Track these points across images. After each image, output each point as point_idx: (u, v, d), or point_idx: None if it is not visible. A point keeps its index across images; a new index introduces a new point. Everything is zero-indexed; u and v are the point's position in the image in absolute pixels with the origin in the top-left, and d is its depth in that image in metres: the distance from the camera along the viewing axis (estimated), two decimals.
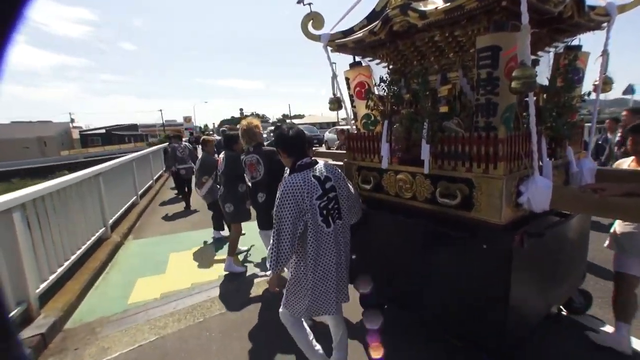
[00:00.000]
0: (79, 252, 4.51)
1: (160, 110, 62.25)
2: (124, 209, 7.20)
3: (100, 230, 5.53)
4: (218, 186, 4.89)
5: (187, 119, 41.51)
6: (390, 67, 2.93)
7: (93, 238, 5.13)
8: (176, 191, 9.57)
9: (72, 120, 49.80)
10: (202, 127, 53.91)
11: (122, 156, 8.18)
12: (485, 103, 1.96)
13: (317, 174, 2.10)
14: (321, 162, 2.22)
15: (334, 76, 2.99)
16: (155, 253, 5.41)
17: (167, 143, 9.60)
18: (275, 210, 2.04)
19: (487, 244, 1.97)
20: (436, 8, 2.02)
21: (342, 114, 4.45)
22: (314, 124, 39.05)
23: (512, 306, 1.92)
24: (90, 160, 29.97)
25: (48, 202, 3.85)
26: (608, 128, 6.23)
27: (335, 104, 3.07)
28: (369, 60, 3.00)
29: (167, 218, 7.61)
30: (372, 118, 2.82)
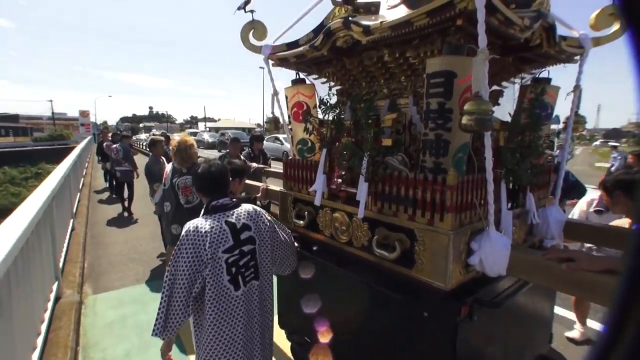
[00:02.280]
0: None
1: (51, 101, 56.26)
2: (66, 241, 5.18)
3: (54, 286, 3.64)
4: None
5: (84, 113, 38.36)
6: (337, 88, 2.61)
7: (49, 304, 3.30)
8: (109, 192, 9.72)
9: None
10: (102, 123, 52.20)
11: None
12: (434, 139, 1.64)
13: (233, 220, 1.74)
14: (247, 206, 1.88)
15: (275, 93, 2.65)
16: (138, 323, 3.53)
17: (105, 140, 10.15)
18: (170, 261, 1.63)
19: (428, 311, 1.64)
20: (381, 23, 1.72)
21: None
22: (236, 129, 38.16)
23: None
24: None
25: None
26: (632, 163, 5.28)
27: (272, 124, 2.73)
28: (315, 79, 2.68)
29: (121, 243, 5.97)
30: (309, 144, 2.49)
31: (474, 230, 1.67)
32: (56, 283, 3.70)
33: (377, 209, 1.86)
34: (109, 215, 7.77)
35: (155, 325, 1.62)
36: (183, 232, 1.67)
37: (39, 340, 2.75)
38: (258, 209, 1.93)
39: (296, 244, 2.24)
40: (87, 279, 4.61)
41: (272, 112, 2.70)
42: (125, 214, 7.84)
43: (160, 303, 1.63)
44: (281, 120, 2.70)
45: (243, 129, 39.33)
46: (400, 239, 1.73)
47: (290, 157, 2.62)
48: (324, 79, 2.65)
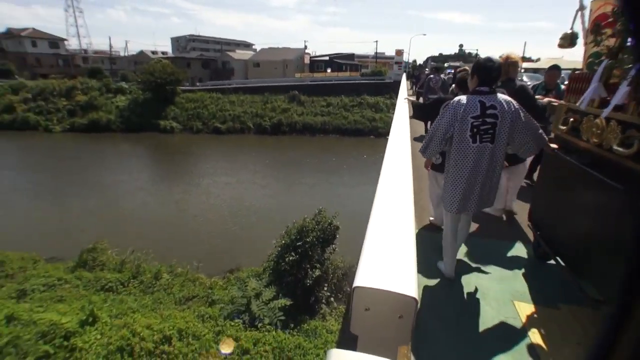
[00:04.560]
0: None
1: (376, 42, 68.26)
2: None
3: None
4: None
5: (398, 52, 41.32)
6: None
7: None
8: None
9: (305, 47, 57.65)
10: (412, 62, 52.20)
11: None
12: None
13: (484, 100, 2.55)
14: (501, 95, 2.61)
15: (580, 8, 2.76)
16: None
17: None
18: (438, 116, 2.79)
19: None
20: None
21: None
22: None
23: None
24: (316, 83, 38.94)
25: None
26: None
27: (567, 39, 2.91)
28: None
29: None
30: (600, 57, 2.56)
31: None
32: None
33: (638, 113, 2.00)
34: None
35: (422, 147, 2.83)
36: (451, 102, 2.69)
37: None
38: (509, 99, 2.61)
39: (554, 145, 2.85)
40: None
41: (572, 28, 2.88)
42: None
43: (426, 137, 2.79)
44: (580, 37, 2.84)
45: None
46: None
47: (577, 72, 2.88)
48: None
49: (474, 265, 3.22)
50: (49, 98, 35.29)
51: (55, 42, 53.91)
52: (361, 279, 1.09)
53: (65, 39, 56.91)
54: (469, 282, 2.97)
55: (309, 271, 8.26)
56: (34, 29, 52.86)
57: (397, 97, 12.05)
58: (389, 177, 2.39)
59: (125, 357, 5.77)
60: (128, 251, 10.70)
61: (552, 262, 2.97)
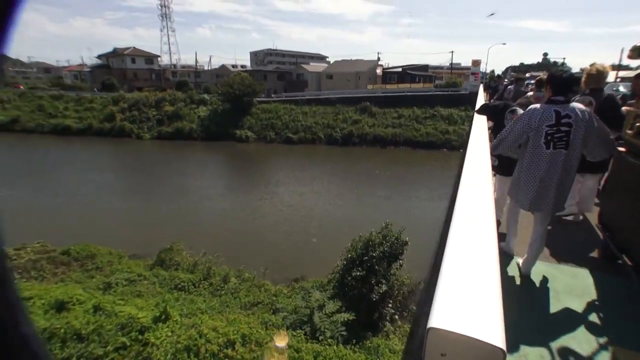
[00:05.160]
0: None
1: (452, 52, 66.89)
2: None
3: None
4: None
5: (475, 62, 38.69)
6: None
7: None
8: None
9: (379, 59, 56.87)
10: (490, 72, 48.96)
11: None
12: None
13: (559, 109, 2.75)
14: (576, 104, 2.79)
15: None
16: None
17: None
18: (513, 121, 3.06)
19: None
20: None
21: None
22: None
23: None
24: (387, 95, 39.01)
25: None
26: None
27: (636, 52, 3.01)
28: None
29: None
30: None
31: None
32: None
33: None
34: None
35: (493, 145, 3.15)
36: (527, 110, 2.94)
37: None
38: (582, 108, 2.79)
39: (621, 149, 3.12)
40: None
41: None
42: None
43: (499, 136, 3.05)
44: None
45: None
46: None
47: None
48: None
49: (565, 300, 2.85)
50: (142, 108, 39.36)
51: (150, 58, 60.08)
52: (438, 320, 0.92)
53: (159, 56, 63.23)
54: (561, 323, 2.60)
55: (374, 286, 8.00)
56: (134, 47, 59.59)
57: (473, 110, 11.70)
58: (468, 198, 2.07)
59: (191, 357, 5.99)
60: (200, 253, 11.28)
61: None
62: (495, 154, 3.18)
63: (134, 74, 56.92)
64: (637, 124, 2.98)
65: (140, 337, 6.31)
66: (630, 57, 3.19)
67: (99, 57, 65.13)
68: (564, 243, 3.78)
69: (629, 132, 3.09)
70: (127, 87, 49.05)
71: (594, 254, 3.63)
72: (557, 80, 2.84)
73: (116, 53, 59.26)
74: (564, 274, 3.23)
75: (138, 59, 58.15)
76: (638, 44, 3.06)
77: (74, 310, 7.27)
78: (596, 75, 3.97)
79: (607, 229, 3.38)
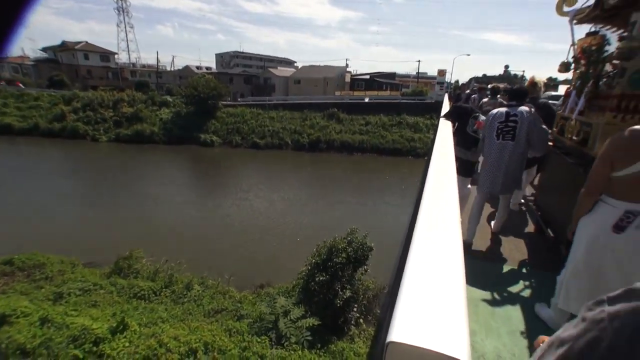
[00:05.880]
0: None
1: (419, 61, 65.12)
2: None
3: None
4: None
5: (441, 72, 41.11)
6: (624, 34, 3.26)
7: None
8: None
9: (347, 66, 57.57)
10: (454, 82, 51.92)
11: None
12: None
13: (510, 110, 3.62)
14: (522, 107, 3.59)
15: (572, 43, 3.86)
16: None
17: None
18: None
19: None
20: None
21: None
22: None
23: None
24: (353, 102, 40.47)
25: None
26: None
27: (563, 66, 3.94)
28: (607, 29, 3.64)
29: None
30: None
31: None
32: None
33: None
34: None
35: (480, 145, 4.16)
36: (489, 114, 3.83)
37: None
38: (528, 110, 3.59)
39: (550, 144, 4.02)
40: None
41: (567, 58, 3.92)
42: None
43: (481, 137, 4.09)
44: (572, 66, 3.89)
45: None
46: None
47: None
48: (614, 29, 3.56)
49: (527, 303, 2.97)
50: (97, 109, 37.41)
51: (106, 55, 57.15)
52: (398, 333, 0.85)
53: (116, 53, 60.30)
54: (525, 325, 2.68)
55: (339, 291, 8.05)
56: (87, 42, 56.40)
57: (438, 118, 11.90)
58: (431, 205, 1.98)
59: None
60: (162, 261, 10.89)
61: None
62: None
63: (87, 71, 54.05)
64: (560, 124, 4.11)
65: (94, 348, 5.99)
66: (560, 71, 4.04)
67: (45, 49, 60.33)
68: (512, 225, 4.48)
69: (554, 129, 4.25)
70: (79, 85, 46.54)
71: (531, 229, 4.50)
72: (511, 91, 4.12)
73: (66, 47, 55.23)
74: (528, 277, 3.42)
75: (92, 55, 55.09)
76: (565, 60, 3.97)
77: (17, 324, 6.81)
78: (531, 87, 4.84)
79: (539, 209, 4.51)
